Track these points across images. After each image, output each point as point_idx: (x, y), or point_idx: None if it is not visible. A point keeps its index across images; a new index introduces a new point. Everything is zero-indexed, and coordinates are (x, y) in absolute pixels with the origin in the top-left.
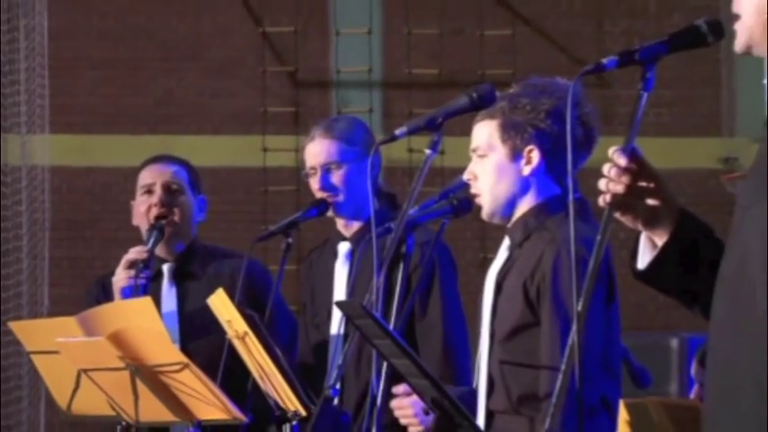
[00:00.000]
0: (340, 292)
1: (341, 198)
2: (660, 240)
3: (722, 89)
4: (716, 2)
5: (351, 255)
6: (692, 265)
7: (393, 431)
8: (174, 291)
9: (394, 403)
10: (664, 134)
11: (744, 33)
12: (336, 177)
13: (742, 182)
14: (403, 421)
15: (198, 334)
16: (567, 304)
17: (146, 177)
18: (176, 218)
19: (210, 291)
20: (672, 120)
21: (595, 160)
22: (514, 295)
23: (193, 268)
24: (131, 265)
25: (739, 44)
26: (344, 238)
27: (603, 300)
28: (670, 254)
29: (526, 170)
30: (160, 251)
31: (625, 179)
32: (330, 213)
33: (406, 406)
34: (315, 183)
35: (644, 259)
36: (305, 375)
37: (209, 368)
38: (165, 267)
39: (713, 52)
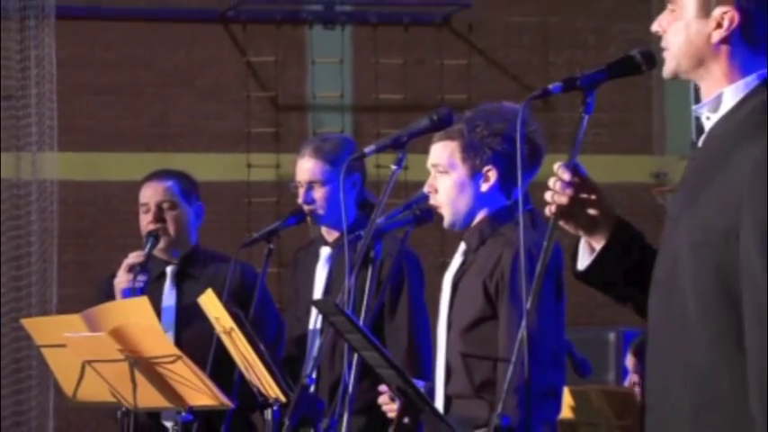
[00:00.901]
0: (318, 291)
1: (321, 211)
2: (598, 245)
3: (654, 112)
4: (648, 36)
5: (331, 258)
6: (625, 267)
7: (362, 416)
8: (174, 289)
9: (381, 399)
10: (602, 152)
11: (672, 62)
12: (318, 194)
13: (672, 195)
14: (391, 415)
15: (191, 327)
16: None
17: (143, 196)
18: (170, 230)
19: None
20: (609, 139)
21: (542, 175)
22: (474, 292)
23: (193, 270)
24: (131, 268)
25: (667, 71)
26: (327, 243)
27: (553, 297)
28: (607, 257)
29: (484, 187)
30: (163, 255)
31: (569, 191)
32: (309, 221)
33: (392, 401)
34: (300, 195)
35: (583, 261)
36: (288, 364)
37: (200, 359)
38: (169, 269)
39: (646, 79)
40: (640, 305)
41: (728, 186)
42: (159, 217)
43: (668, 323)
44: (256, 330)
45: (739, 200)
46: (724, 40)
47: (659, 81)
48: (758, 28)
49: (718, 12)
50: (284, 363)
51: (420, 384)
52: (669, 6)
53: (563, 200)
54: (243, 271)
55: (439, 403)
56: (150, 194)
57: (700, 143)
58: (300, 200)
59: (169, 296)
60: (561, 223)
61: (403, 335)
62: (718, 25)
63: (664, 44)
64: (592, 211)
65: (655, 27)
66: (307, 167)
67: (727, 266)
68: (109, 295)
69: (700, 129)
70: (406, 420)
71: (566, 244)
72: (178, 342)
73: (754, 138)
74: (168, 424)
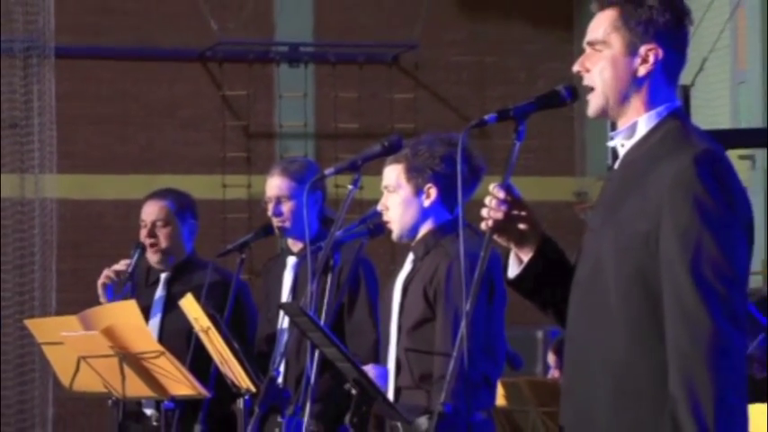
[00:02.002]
0: (285, 294)
1: (288, 224)
2: (526, 257)
3: (575, 139)
4: (572, 73)
5: (296, 266)
6: (548, 277)
7: (323, 404)
8: (164, 292)
9: None
10: (531, 174)
11: (600, 99)
12: (285, 208)
13: (591, 211)
14: None
15: (174, 318)
16: (457, 303)
17: (142, 213)
18: (162, 244)
19: (192, 290)
20: (537, 163)
21: (480, 194)
22: (417, 297)
23: (183, 276)
24: (116, 272)
25: (594, 109)
26: (293, 253)
27: (485, 299)
28: (534, 267)
29: (426, 203)
30: (158, 265)
31: (503, 208)
32: (277, 234)
33: None
34: (270, 209)
35: (513, 271)
36: (259, 360)
37: (180, 346)
38: (162, 276)
39: (568, 111)
40: (560, 312)
41: (648, 198)
42: (152, 233)
43: (589, 319)
44: (236, 329)
45: (657, 209)
46: (648, 74)
47: (580, 112)
48: (673, 63)
49: (643, 49)
50: (256, 358)
51: (383, 370)
52: (595, 47)
53: (498, 216)
54: (225, 276)
55: (390, 395)
56: (148, 212)
57: (615, 166)
58: (270, 213)
59: (159, 297)
60: (495, 237)
61: (368, 328)
62: (644, 61)
63: (589, 83)
64: (522, 226)
65: (577, 67)
66: (276, 184)
67: (647, 267)
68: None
69: (615, 153)
70: (362, 408)
71: (499, 254)
72: (162, 330)
73: (670, 158)
74: (149, 412)
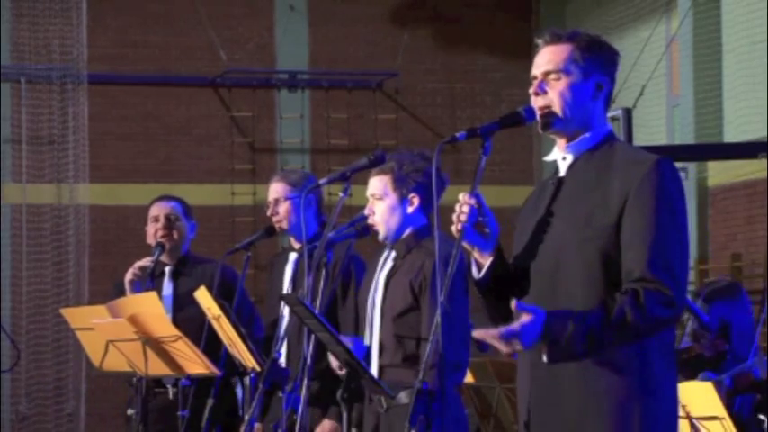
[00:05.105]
0: (286, 286)
1: (284, 224)
2: (485, 261)
3: (533, 154)
4: (529, 97)
5: (296, 262)
6: (502, 282)
7: (318, 381)
8: (171, 284)
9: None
10: (495, 183)
11: (556, 119)
12: (281, 208)
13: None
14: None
15: (183, 311)
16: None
17: (154, 211)
18: (175, 238)
19: (196, 285)
20: (500, 174)
21: (451, 202)
22: (403, 289)
23: (185, 270)
24: (141, 268)
25: (548, 127)
26: (294, 249)
27: (464, 291)
28: (494, 269)
29: (409, 210)
30: (165, 258)
31: (473, 213)
32: (279, 234)
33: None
34: (269, 210)
35: (476, 273)
36: (267, 343)
37: (189, 334)
38: (167, 269)
39: (527, 129)
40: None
41: (611, 198)
42: (168, 226)
43: (554, 303)
44: (238, 316)
45: (618, 206)
46: (598, 100)
47: (537, 130)
48: (611, 92)
49: (597, 78)
50: (264, 341)
51: (359, 343)
52: (552, 75)
53: (470, 218)
54: (223, 270)
55: (374, 371)
56: (160, 209)
57: (561, 174)
58: (269, 213)
59: (167, 288)
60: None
61: (352, 316)
62: (598, 89)
63: (546, 103)
64: (486, 230)
65: (535, 90)
66: (274, 189)
67: (610, 253)
68: (121, 291)
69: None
70: (351, 384)
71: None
72: (174, 322)
73: (629, 164)
74: (168, 386)
